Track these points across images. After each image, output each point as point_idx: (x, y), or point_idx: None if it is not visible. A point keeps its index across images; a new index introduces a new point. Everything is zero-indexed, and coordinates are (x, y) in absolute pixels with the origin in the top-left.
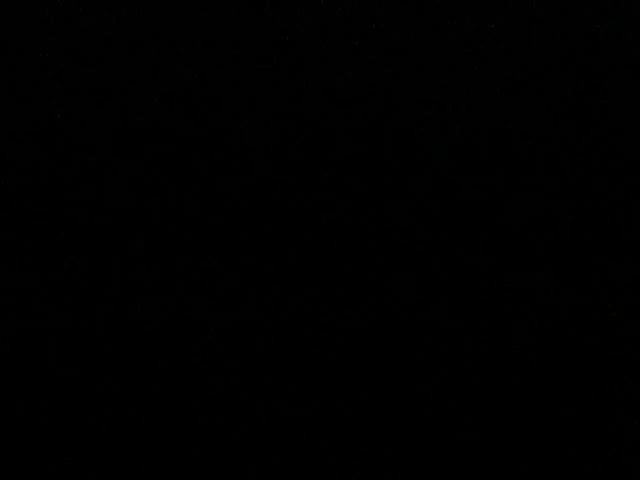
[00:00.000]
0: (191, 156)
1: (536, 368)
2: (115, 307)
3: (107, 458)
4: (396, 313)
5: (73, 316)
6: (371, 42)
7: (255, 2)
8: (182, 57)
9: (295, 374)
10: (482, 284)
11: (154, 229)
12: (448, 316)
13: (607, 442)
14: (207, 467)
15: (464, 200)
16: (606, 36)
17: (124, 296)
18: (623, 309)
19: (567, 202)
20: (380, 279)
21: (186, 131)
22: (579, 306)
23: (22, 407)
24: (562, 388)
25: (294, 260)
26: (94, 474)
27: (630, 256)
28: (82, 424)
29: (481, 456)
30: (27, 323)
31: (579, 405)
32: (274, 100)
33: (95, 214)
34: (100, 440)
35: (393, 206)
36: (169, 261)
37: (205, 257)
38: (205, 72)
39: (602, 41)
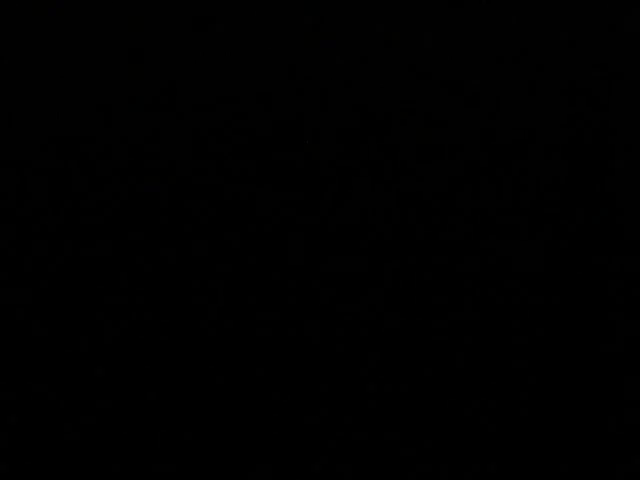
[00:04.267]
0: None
1: (535, 367)
2: (116, 306)
3: (105, 457)
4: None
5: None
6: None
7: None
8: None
9: (294, 373)
10: (481, 281)
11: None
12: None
13: (607, 442)
14: (207, 467)
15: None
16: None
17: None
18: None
19: (564, 200)
20: (377, 276)
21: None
22: (578, 305)
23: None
24: (561, 388)
25: (293, 258)
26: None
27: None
28: (80, 423)
29: (481, 456)
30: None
31: (578, 404)
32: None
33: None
34: (99, 440)
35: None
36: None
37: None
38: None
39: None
